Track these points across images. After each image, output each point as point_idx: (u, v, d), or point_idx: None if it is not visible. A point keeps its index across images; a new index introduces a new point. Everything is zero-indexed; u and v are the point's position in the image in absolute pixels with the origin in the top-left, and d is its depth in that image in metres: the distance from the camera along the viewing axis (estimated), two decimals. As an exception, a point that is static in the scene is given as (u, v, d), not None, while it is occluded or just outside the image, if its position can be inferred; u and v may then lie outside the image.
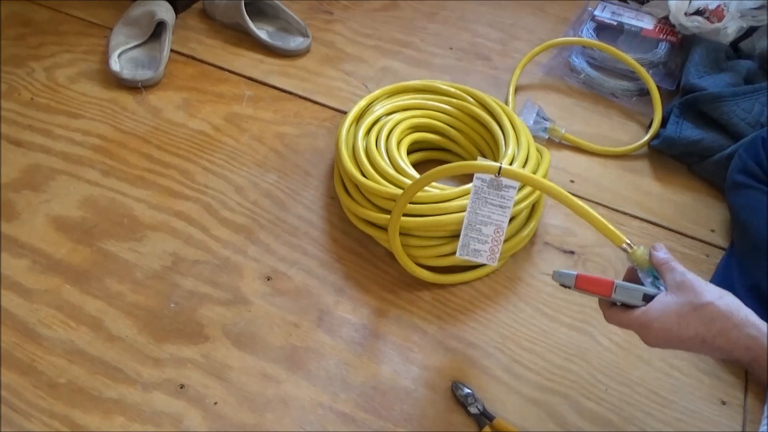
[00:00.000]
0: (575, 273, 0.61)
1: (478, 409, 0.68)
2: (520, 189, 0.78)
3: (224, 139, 0.96)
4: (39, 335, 0.73)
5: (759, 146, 0.84)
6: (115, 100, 1.01)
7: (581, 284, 0.60)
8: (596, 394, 0.71)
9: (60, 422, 0.66)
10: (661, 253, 0.59)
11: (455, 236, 0.77)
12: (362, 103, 0.92)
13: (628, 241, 0.61)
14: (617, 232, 0.61)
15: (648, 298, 0.58)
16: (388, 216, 0.77)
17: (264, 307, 0.77)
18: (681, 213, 0.89)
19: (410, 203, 0.77)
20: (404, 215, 0.76)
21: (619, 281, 0.60)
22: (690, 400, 0.71)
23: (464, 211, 0.75)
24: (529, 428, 0.68)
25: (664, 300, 0.56)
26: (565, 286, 0.61)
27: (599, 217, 0.62)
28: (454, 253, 0.77)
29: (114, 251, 0.81)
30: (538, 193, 0.81)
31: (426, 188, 0.78)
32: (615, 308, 0.60)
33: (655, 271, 0.60)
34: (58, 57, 1.07)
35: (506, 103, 1.02)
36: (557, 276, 0.62)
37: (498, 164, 0.66)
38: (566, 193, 0.64)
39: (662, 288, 0.59)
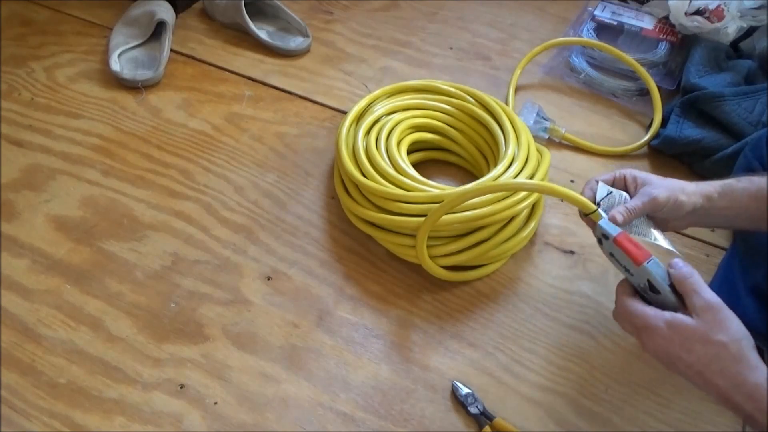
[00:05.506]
0: (620, 230, 0.61)
1: (478, 409, 0.68)
2: (519, 191, 0.78)
3: (224, 139, 0.96)
4: (39, 335, 0.73)
5: (764, 146, 0.84)
6: (115, 100, 1.01)
7: (622, 240, 0.59)
8: (596, 394, 0.71)
9: (60, 422, 0.66)
10: (685, 269, 0.56)
11: (458, 236, 0.77)
12: (362, 103, 0.92)
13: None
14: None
15: (673, 289, 0.56)
16: (388, 216, 0.77)
17: (264, 307, 0.77)
18: (681, 213, 0.89)
19: (412, 203, 0.77)
20: (407, 215, 0.76)
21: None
22: (690, 400, 0.71)
23: (465, 211, 0.75)
24: (529, 428, 0.68)
25: (682, 316, 0.54)
26: (604, 237, 0.61)
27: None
28: (458, 252, 0.77)
29: (114, 251, 0.81)
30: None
31: (426, 189, 0.78)
32: (631, 296, 0.59)
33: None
34: (58, 57, 1.07)
35: (506, 103, 1.02)
36: (600, 229, 0.62)
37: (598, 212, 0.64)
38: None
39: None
